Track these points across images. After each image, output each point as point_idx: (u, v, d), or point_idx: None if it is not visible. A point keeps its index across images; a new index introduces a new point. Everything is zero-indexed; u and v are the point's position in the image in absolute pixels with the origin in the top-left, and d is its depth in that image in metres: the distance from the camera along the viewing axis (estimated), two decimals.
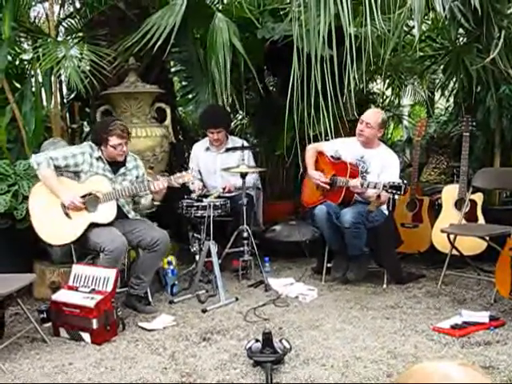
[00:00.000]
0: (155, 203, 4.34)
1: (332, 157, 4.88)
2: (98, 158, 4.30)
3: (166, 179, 4.25)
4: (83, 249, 4.28)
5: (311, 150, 4.98)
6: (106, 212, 4.18)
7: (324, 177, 4.79)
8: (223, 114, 5.40)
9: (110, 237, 4.06)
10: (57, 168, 4.19)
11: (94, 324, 3.69)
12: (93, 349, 3.65)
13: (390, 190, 4.30)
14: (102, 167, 4.30)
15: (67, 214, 4.15)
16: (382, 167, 4.69)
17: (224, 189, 5.12)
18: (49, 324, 3.97)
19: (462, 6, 4.84)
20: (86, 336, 3.73)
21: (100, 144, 4.29)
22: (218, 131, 5.24)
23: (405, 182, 4.32)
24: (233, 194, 5.15)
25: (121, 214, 4.31)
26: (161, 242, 4.21)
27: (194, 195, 4.87)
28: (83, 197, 4.17)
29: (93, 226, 4.14)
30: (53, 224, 4.15)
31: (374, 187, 4.42)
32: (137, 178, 4.43)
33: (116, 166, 4.37)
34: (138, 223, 4.36)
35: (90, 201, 4.18)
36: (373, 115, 4.76)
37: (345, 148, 4.84)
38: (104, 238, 4.05)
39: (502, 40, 4.75)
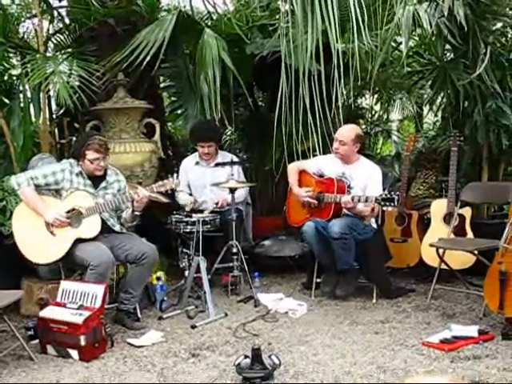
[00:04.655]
0: (137, 213, 4.29)
1: (314, 174, 4.90)
2: (78, 174, 4.29)
3: (147, 188, 4.25)
4: (70, 265, 4.26)
5: (293, 168, 4.98)
6: (90, 226, 4.16)
7: (311, 193, 4.80)
8: (215, 129, 5.39)
9: (96, 252, 4.04)
10: (37, 187, 4.18)
11: (82, 341, 3.65)
12: (81, 366, 3.61)
13: (383, 203, 4.32)
14: (82, 183, 4.29)
15: (52, 232, 4.13)
16: (366, 181, 4.70)
17: (217, 204, 5.11)
18: (36, 341, 3.93)
19: (449, 23, 4.89)
20: (74, 353, 3.69)
21: (78, 158, 4.29)
22: (208, 145, 5.23)
23: (397, 193, 4.33)
24: (223, 209, 5.14)
25: (106, 228, 4.29)
26: (148, 255, 4.18)
27: (187, 208, 4.86)
28: (66, 213, 4.15)
29: (78, 241, 4.11)
30: (38, 243, 4.12)
31: (366, 201, 4.43)
32: (118, 191, 4.42)
33: (97, 180, 4.36)
34: (124, 238, 4.34)
35: (74, 216, 4.17)
36: (345, 132, 4.72)
37: (326, 165, 4.86)
38: (89, 254, 4.02)
39: (488, 56, 4.80)
